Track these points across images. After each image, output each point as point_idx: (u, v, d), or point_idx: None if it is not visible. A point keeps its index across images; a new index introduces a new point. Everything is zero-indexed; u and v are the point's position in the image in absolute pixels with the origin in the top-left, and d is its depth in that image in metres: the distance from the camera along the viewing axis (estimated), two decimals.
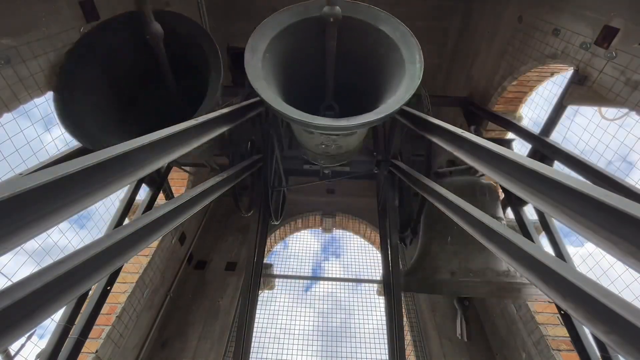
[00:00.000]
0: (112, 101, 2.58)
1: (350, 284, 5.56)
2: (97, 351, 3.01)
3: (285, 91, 1.88)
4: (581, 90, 2.69)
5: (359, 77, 2.09)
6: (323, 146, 2.36)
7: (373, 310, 5.03)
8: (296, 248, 6.26)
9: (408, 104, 2.05)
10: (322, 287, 5.49)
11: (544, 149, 3.07)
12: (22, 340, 2.43)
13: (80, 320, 2.64)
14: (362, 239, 6.51)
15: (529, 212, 3.42)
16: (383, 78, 1.88)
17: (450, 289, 2.57)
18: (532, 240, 2.83)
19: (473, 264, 2.51)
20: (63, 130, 2.44)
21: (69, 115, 2.26)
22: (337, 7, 1.63)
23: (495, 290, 2.41)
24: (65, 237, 2.87)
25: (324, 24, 1.70)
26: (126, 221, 3.19)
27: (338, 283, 5.52)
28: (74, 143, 2.61)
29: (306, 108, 1.58)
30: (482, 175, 3.10)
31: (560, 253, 2.98)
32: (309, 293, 5.58)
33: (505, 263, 2.49)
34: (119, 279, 3.24)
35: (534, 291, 2.37)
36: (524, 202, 3.40)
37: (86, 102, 2.38)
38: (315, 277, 5.60)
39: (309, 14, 1.74)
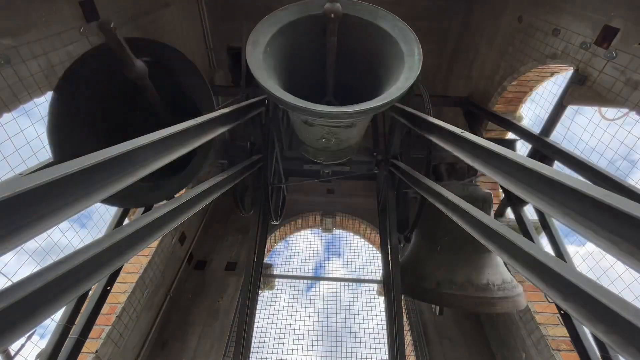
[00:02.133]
0: (102, 127, 2.45)
1: (350, 284, 5.56)
2: (97, 351, 3.01)
3: (286, 86, 1.89)
4: (581, 90, 2.70)
5: (358, 74, 2.12)
6: (323, 140, 2.37)
7: (373, 310, 5.03)
8: (296, 248, 6.27)
9: (407, 103, 2.04)
10: (322, 287, 5.50)
11: (544, 149, 3.07)
12: (22, 340, 2.43)
13: (80, 320, 2.64)
14: (362, 239, 6.51)
15: (529, 212, 3.42)
16: (382, 73, 1.91)
17: (432, 299, 2.71)
18: (532, 240, 2.83)
19: (456, 276, 2.64)
20: None
21: (58, 142, 2.18)
22: (338, 4, 1.66)
23: (472, 304, 2.55)
24: (65, 237, 2.88)
25: (325, 21, 1.72)
26: (126, 221, 3.20)
27: (338, 283, 5.53)
28: None
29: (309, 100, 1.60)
30: (478, 175, 3.10)
31: (560, 253, 2.98)
32: (309, 293, 5.58)
33: (485, 276, 2.63)
34: (119, 279, 3.24)
35: (507, 305, 2.53)
36: (524, 202, 3.40)
37: (76, 129, 2.28)
38: (314, 277, 5.60)
39: (310, 12, 1.77)
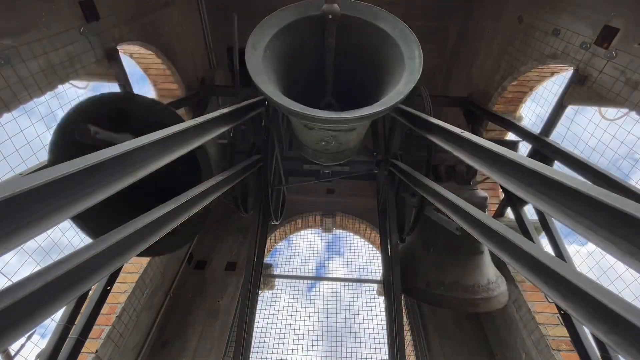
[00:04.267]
0: None
1: (351, 284, 5.56)
2: (97, 351, 3.01)
3: (285, 88, 1.89)
4: (581, 90, 2.70)
5: (358, 75, 2.12)
6: (323, 143, 2.37)
7: (373, 310, 5.03)
8: (296, 248, 6.27)
9: (408, 103, 2.04)
10: (323, 287, 5.49)
11: (544, 149, 3.07)
12: (22, 340, 2.43)
13: (80, 320, 2.64)
14: (362, 239, 6.51)
15: (529, 212, 3.42)
16: (382, 75, 1.90)
17: (422, 298, 2.91)
18: (532, 240, 2.83)
19: (446, 277, 2.81)
20: None
21: None
22: (336, 5, 1.66)
23: (459, 304, 2.74)
24: (65, 237, 2.88)
25: (323, 22, 1.72)
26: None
27: (338, 283, 5.52)
28: None
29: (306, 105, 1.59)
30: (477, 182, 3.09)
31: (560, 253, 2.98)
32: (311, 293, 5.58)
33: (472, 278, 2.80)
34: (119, 279, 3.24)
35: (488, 305, 2.74)
36: (524, 202, 3.40)
37: None
38: (313, 277, 5.60)
39: (309, 13, 1.77)
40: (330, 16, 1.67)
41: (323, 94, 2.20)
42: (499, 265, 4.21)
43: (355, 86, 2.18)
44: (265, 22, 1.74)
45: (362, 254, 6.17)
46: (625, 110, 2.66)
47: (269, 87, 1.61)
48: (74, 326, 2.56)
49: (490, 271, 2.93)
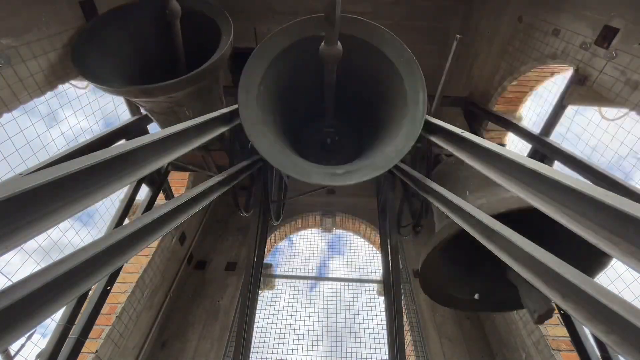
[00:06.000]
0: (127, 62, 2.69)
1: (352, 284, 5.56)
2: (97, 351, 3.01)
3: (284, 115, 1.85)
4: (581, 90, 2.69)
5: (360, 94, 2.07)
6: None
7: (373, 310, 5.03)
8: (297, 248, 6.27)
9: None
10: (324, 286, 5.49)
11: (544, 149, 3.07)
12: (22, 340, 2.43)
13: (80, 320, 2.64)
14: (362, 239, 6.51)
15: None
16: (384, 106, 1.85)
17: (466, 308, 2.40)
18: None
19: None
20: (64, 129, 2.43)
21: (82, 58, 2.35)
22: (338, 48, 1.54)
23: None
24: (65, 237, 2.87)
25: (322, 59, 1.60)
26: (126, 221, 3.19)
27: (340, 283, 5.52)
28: (74, 143, 2.61)
29: (307, 129, 1.55)
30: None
31: None
32: (312, 292, 5.57)
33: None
34: (119, 279, 3.24)
35: None
36: None
37: (103, 56, 2.50)
38: (312, 277, 5.59)
39: (305, 34, 1.65)
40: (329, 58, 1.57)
41: (323, 113, 2.15)
42: None
43: (357, 103, 2.15)
44: (258, 52, 1.62)
45: (363, 254, 6.17)
46: (625, 110, 2.65)
47: (264, 141, 1.58)
48: (74, 326, 2.56)
49: None
